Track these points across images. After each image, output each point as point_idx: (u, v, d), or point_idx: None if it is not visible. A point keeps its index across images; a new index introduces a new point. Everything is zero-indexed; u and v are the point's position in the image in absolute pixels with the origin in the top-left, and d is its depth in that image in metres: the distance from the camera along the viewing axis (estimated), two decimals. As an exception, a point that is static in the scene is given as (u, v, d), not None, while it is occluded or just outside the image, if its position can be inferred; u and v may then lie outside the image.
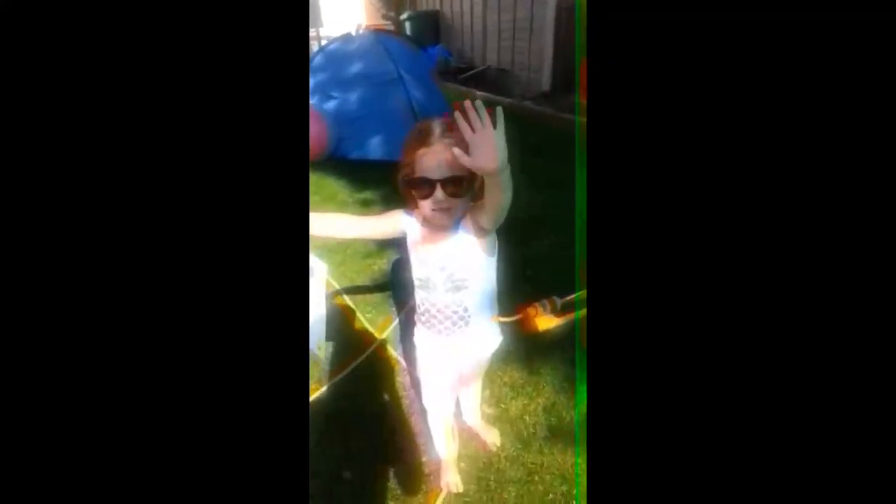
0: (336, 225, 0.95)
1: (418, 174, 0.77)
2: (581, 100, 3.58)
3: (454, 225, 0.83)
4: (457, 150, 0.66)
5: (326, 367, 1.55)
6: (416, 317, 0.98)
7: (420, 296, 0.93)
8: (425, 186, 0.77)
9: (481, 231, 0.82)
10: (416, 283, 0.92)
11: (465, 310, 0.90)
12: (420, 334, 1.00)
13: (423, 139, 0.77)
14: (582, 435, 1.26)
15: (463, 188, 0.77)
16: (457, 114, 0.65)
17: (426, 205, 0.79)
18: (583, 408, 1.34)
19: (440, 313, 0.91)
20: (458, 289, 0.87)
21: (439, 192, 0.76)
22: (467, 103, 0.64)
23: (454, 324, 0.91)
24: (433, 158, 0.76)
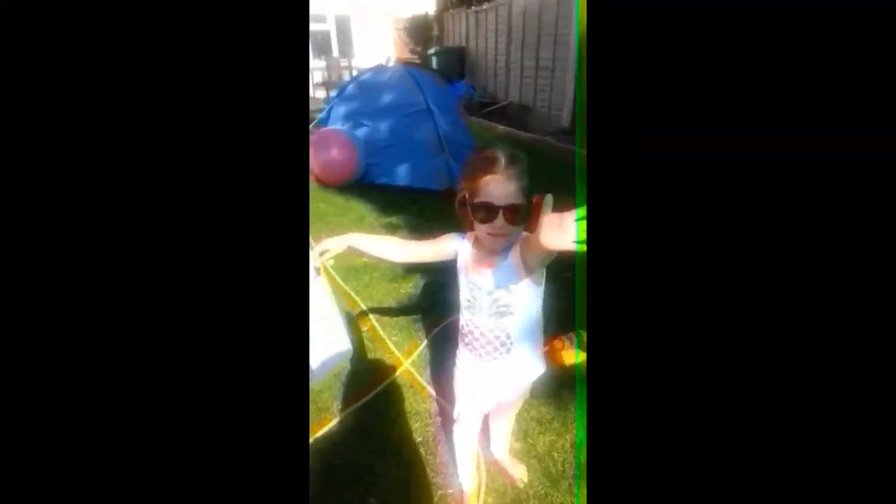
0: (392, 249, 1.00)
1: (482, 199, 0.80)
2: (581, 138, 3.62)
3: (504, 251, 0.86)
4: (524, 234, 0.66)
5: (344, 383, 1.55)
6: (460, 337, 1.00)
7: (465, 317, 0.95)
8: (488, 211, 0.80)
9: (528, 265, 0.84)
10: (462, 303, 0.95)
11: (508, 336, 0.91)
12: (462, 356, 1.01)
13: (490, 167, 0.80)
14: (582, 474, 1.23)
15: (520, 217, 0.80)
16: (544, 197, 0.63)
17: (484, 228, 0.82)
18: (583, 448, 1.30)
19: (483, 337, 0.93)
20: (502, 314, 0.89)
21: (500, 218, 0.79)
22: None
23: (496, 349, 0.93)
24: (499, 186, 0.79)
